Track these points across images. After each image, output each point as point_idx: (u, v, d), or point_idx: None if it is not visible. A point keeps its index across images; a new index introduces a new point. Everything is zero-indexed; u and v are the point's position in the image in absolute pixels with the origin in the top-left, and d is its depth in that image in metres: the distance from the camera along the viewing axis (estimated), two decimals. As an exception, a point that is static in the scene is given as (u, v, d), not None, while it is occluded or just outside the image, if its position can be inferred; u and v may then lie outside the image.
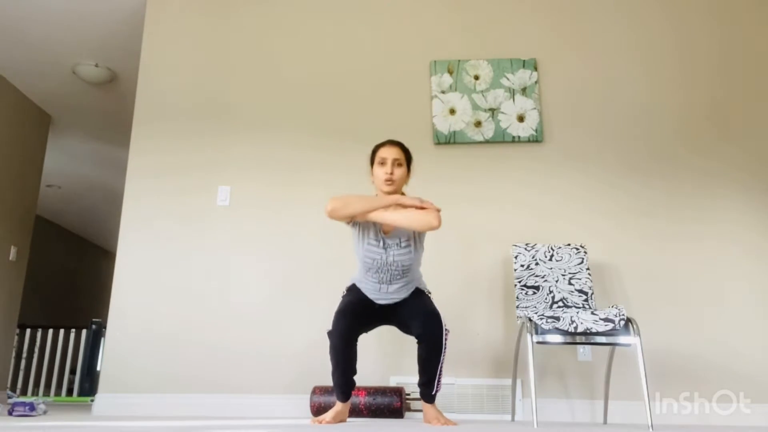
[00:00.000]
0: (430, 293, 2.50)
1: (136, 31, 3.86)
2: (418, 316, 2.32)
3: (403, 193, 2.45)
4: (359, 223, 2.39)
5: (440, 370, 2.27)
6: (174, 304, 3.21)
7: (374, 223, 2.38)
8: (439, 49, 3.54)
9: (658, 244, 3.18)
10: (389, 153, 2.40)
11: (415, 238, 2.40)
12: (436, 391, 2.32)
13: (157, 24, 3.70)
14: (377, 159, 2.42)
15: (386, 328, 2.54)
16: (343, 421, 2.40)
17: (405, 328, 2.44)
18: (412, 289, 2.44)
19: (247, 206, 3.35)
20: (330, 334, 2.29)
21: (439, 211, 2.31)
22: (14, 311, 4.95)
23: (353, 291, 2.48)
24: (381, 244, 2.37)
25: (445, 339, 2.26)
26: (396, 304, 2.42)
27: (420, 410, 2.87)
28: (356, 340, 2.32)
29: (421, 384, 2.33)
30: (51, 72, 4.68)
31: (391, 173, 2.37)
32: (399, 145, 2.46)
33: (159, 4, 3.74)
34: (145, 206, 3.38)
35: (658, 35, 3.53)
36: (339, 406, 2.38)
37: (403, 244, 2.37)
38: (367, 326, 2.45)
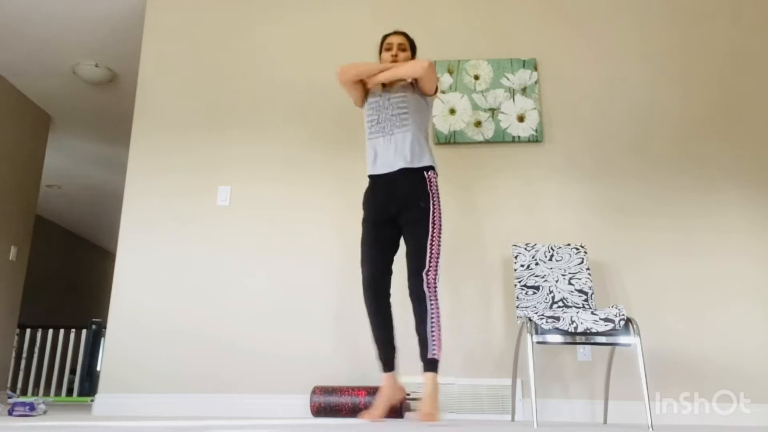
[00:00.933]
0: (436, 175, 2.58)
1: (136, 31, 3.87)
2: (409, 257, 2.44)
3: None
4: (367, 94, 2.65)
5: (432, 329, 2.31)
6: (174, 304, 3.21)
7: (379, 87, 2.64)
8: (439, 49, 3.53)
9: (658, 244, 3.17)
10: (394, 39, 2.68)
11: (413, 93, 2.60)
12: (434, 356, 2.32)
13: (157, 24, 3.70)
14: (384, 46, 2.70)
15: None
16: (394, 403, 2.44)
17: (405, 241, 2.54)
18: (415, 159, 2.51)
19: (247, 206, 3.35)
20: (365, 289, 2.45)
21: (430, 60, 2.52)
22: (14, 311, 4.95)
23: (366, 201, 2.61)
24: (381, 93, 2.63)
25: (430, 296, 2.32)
26: (400, 207, 2.48)
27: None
28: (387, 293, 2.45)
29: (420, 347, 2.36)
30: (51, 72, 4.69)
31: (395, 55, 2.63)
32: (403, 33, 2.73)
33: (159, 4, 3.74)
34: (145, 206, 3.38)
35: (658, 35, 3.53)
36: (384, 386, 2.42)
37: (400, 92, 2.60)
38: (390, 245, 2.53)
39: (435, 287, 2.37)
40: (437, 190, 2.53)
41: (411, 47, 2.72)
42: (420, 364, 2.37)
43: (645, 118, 3.39)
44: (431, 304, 2.32)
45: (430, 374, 2.33)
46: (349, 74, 2.59)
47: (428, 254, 2.39)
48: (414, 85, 2.64)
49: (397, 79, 2.59)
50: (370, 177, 2.61)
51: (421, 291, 2.34)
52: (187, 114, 3.52)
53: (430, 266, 2.38)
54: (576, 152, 3.34)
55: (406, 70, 2.55)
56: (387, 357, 2.41)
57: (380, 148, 2.56)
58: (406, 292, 2.44)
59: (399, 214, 2.51)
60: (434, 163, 2.59)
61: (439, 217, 2.47)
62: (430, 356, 2.31)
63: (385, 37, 2.73)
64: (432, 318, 2.31)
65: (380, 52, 2.73)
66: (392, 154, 2.52)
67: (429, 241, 2.41)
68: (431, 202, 2.48)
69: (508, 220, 3.24)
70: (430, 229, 2.43)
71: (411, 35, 2.77)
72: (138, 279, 3.26)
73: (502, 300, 3.12)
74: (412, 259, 2.43)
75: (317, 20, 3.65)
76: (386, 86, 2.65)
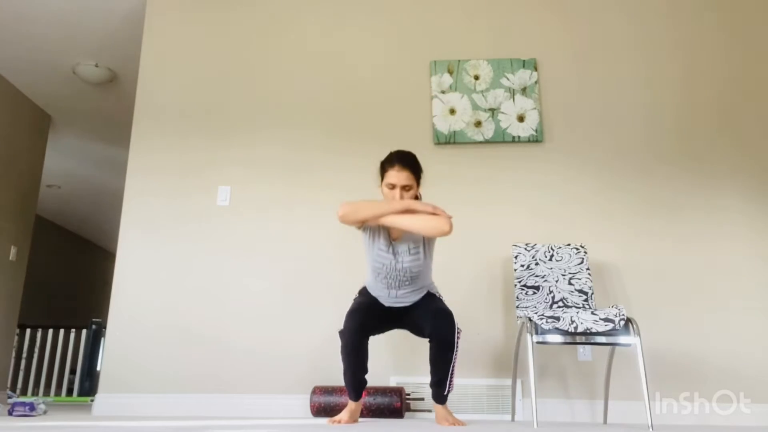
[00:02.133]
0: (441, 297, 2.50)
1: (136, 31, 3.86)
2: (429, 315, 2.34)
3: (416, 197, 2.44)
4: (369, 227, 2.40)
5: (452, 370, 2.29)
6: (174, 304, 3.21)
7: (384, 229, 2.39)
8: (439, 49, 3.54)
9: (658, 244, 3.17)
10: (398, 179, 2.35)
11: (425, 244, 2.40)
12: (448, 392, 2.33)
13: (157, 24, 3.70)
14: (386, 181, 2.38)
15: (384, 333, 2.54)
16: (355, 421, 2.40)
17: (417, 330, 2.45)
18: (422, 294, 2.45)
19: (247, 206, 3.35)
20: (341, 333, 2.31)
21: (450, 218, 2.31)
22: (14, 311, 4.95)
23: (365, 294, 2.50)
24: (390, 250, 2.38)
25: (458, 338, 2.28)
26: (407, 307, 2.43)
27: (419, 410, 2.89)
28: (367, 339, 2.33)
29: (432, 384, 2.34)
30: (51, 72, 4.69)
31: (401, 198, 2.35)
32: (408, 168, 2.37)
33: (159, 4, 3.74)
34: (145, 206, 3.38)
35: (658, 35, 3.53)
36: (352, 405, 2.39)
37: (412, 251, 2.38)
38: (379, 327, 2.46)
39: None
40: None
41: (417, 179, 2.40)
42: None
43: (645, 117, 3.39)
44: (457, 344, 2.31)
45: (443, 405, 2.39)
46: (352, 218, 2.32)
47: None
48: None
49: (408, 230, 2.34)
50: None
51: (452, 329, 2.28)
52: (187, 114, 3.52)
53: (448, 308, 2.39)
54: (576, 152, 3.34)
55: (422, 228, 2.30)
56: (361, 389, 2.38)
57: (386, 290, 2.41)
58: None
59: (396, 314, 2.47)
60: (438, 294, 2.51)
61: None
62: (446, 393, 2.35)
63: (387, 168, 2.38)
64: (455, 358, 2.30)
65: (381, 175, 2.41)
66: (401, 298, 2.43)
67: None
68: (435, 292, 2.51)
69: (508, 220, 3.24)
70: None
71: (417, 163, 2.44)
72: (138, 279, 3.26)
73: (502, 300, 3.12)
74: (432, 305, 2.40)
75: (317, 20, 3.65)
76: (394, 233, 2.41)
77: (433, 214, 2.31)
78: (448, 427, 2.24)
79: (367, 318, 2.34)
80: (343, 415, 2.38)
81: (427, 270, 2.45)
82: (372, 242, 2.40)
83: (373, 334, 2.41)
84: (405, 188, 2.36)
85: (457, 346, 2.27)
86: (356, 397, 2.38)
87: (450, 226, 2.29)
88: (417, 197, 2.43)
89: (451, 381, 2.30)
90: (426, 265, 2.43)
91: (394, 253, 2.38)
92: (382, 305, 2.44)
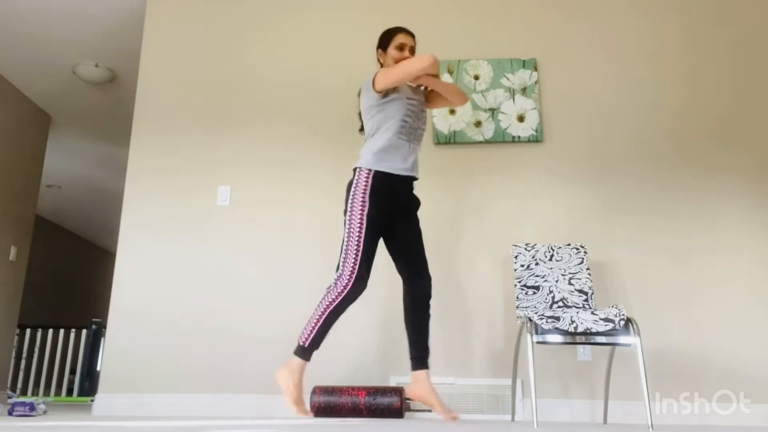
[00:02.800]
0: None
1: (136, 31, 3.86)
2: (417, 266, 2.48)
3: None
4: (390, 91, 2.52)
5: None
6: (174, 304, 3.21)
7: (410, 87, 2.60)
8: (439, 49, 3.51)
9: (658, 244, 3.17)
10: (407, 40, 2.63)
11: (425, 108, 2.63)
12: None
13: (157, 24, 3.70)
14: (394, 43, 2.61)
15: (386, 329, 2.54)
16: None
17: (400, 253, 2.51)
18: (417, 172, 2.56)
19: (247, 206, 3.35)
20: (353, 286, 2.34)
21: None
22: (14, 311, 4.95)
23: (382, 195, 2.42)
24: (412, 94, 2.57)
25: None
26: (404, 206, 2.51)
27: (419, 410, 2.88)
28: None
29: (417, 347, 2.39)
30: (51, 72, 4.69)
31: (407, 58, 2.57)
32: (413, 34, 2.68)
33: (159, 4, 3.74)
34: (146, 206, 3.38)
35: (658, 35, 3.52)
36: (301, 366, 2.39)
37: (422, 108, 2.61)
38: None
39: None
40: None
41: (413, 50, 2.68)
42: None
43: (645, 117, 3.39)
44: (429, 307, 2.48)
45: (427, 371, 2.43)
46: (435, 67, 2.51)
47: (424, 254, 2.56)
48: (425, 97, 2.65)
49: (438, 91, 2.61)
50: (390, 175, 2.47)
51: (426, 290, 2.47)
52: (187, 114, 3.52)
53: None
54: (576, 152, 3.34)
55: (457, 93, 2.62)
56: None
57: (404, 149, 2.50)
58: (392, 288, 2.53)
59: (401, 214, 2.53)
60: None
61: None
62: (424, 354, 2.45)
63: (395, 32, 2.64)
64: (428, 321, 2.46)
65: (385, 45, 2.64)
66: (414, 161, 2.54)
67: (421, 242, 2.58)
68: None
69: (508, 220, 3.24)
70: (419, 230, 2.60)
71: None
72: (138, 279, 3.26)
73: (502, 300, 3.12)
74: (417, 257, 2.51)
75: (317, 20, 3.65)
76: (414, 92, 2.61)
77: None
78: (451, 422, 2.29)
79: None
80: (290, 398, 2.38)
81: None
82: (398, 97, 2.52)
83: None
84: (412, 50, 2.62)
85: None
86: (310, 354, 2.43)
87: (464, 96, 2.65)
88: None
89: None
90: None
91: (420, 105, 2.59)
92: (391, 194, 2.45)
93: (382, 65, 2.65)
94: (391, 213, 2.46)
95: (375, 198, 2.39)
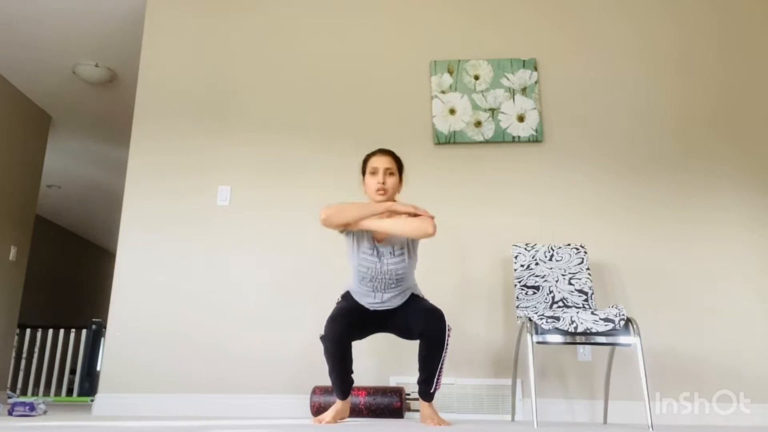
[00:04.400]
0: (425, 297, 2.48)
1: (136, 31, 3.87)
2: (419, 314, 2.31)
3: (395, 201, 2.44)
4: (353, 232, 2.37)
5: (440, 368, 2.26)
6: (174, 304, 3.21)
7: (367, 232, 2.36)
8: (439, 49, 3.54)
9: (658, 244, 3.17)
10: (380, 162, 2.39)
11: (408, 246, 2.38)
12: (435, 390, 2.30)
13: (157, 24, 3.70)
14: (368, 168, 2.41)
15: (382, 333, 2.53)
16: (343, 419, 2.40)
17: (403, 332, 2.42)
18: (407, 297, 2.42)
19: (247, 206, 3.35)
20: (322, 338, 2.28)
21: (433, 218, 2.29)
22: (14, 311, 4.95)
23: (347, 298, 2.46)
24: (374, 252, 2.35)
25: (448, 336, 2.25)
26: (392, 310, 2.40)
27: (419, 410, 2.87)
28: (350, 344, 2.31)
29: (420, 381, 2.32)
30: (51, 72, 4.69)
31: (383, 183, 2.36)
32: (390, 153, 2.44)
33: (159, 4, 3.74)
34: (145, 206, 3.38)
35: (658, 35, 3.53)
36: (339, 404, 2.39)
37: (396, 253, 2.35)
38: (361, 332, 2.44)
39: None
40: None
41: (398, 168, 2.44)
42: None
43: (645, 118, 3.39)
44: (447, 341, 2.26)
45: (429, 404, 2.36)
46: (334, 221, 2.30)
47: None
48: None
49: (391, 233, 2.32)
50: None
51: (442, 326, 2.24)
52: (187, 114, 3.52)
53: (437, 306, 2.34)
54: (576, 152, 3.34)
55: (405, 230, 2.28)
56: (347, 388, 2.36)
57: (371, 293, 2.37)
58: None
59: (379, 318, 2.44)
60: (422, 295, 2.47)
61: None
62: (433, 391, 2.31)
63: (369, 157, 2.44)
64: (444, 356, 2.25)
65: (363, 172, 2.45)
66: (386, 301, 2.38)
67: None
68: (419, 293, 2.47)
69: (508, 220, 3.24)
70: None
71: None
72: (138, 279, 3.26)
73: (502, 300, 3.12)
74: (420, 305, 2.37)
75: (318, 21, 3.65)
76: (378, 235, 2.38)
77: (415, 215, 2.29)
78: (434, 427, 2.23)
79: (349, 324, 2.30)
80: (327, 414, 2.35)
81: (411, 271, 2.42)
82: (356, 246, 2.37)
83: (356, 339, 2.38)
84: (387, 172, 2.38)
85: (447, 344, 2.24)
86: (343, 396, 2.37)
87: (433, 228, 2.26)
88: (399, 187, 2.46)
89: (438, 379, 2.28)
90: (410, 266, 2.40)
91: (379, 256, 2.34)
92: (364, 309, 2.40)
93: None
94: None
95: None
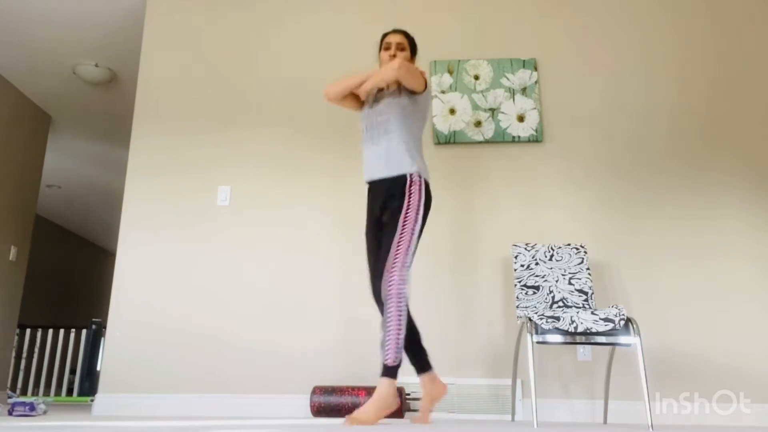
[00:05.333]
0: (421, 179, 2.41)
1: (136, 31, 3.87)
2: (382, 258, 2.32)
3: None
4: (364, 104, 2.61)
5: (390, 334, 2.18)
6: (174, 304, 3.21)
7: (375, 95, 2.59)
8: (439, 49, 3.54)
9: (658, 244, 3.17)
10: (393, 38, 2.64)
11: (398, 102, 2.51)
12: (388, 361, 2.19)
13: (157, 24, 3.70)
14: (383, 45, 2.65)
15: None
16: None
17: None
18: (393, 167, 2.42)
19: (247, 206, 3.35)
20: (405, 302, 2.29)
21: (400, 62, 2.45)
22: (14, 311, 4.95)
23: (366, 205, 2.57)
24: (371, 100, 2.60)
25: (397, 300, 2.21)
26: (382, 206, 2.42)
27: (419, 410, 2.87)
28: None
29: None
30: (51, 72, 4.69)
31: (393, 55, 2.58)
32: (403, 31, 2.68)
33: (159, 4, 3.74)
34: (145, 206, 3.38)
35: (658, 35, 3.53)
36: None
37: (385, 99, 2.55)
38: (379, 246, 2.44)
39: (397, 289, 2.24)
40: (418, 192, 2.38)
41: (411, 46, 2.68)
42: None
43: (645, 118, 3.39)
44: (389, 307, 2.20)
45: (383, 379, 2.21)
46: (332, 93, 2.60)
47: (392, 253, 2.28)
48: (402, 88, 2.53)
49: (376, 86, 2.56)
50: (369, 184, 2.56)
51: (381, 292, 2.25)
52: (187, 114, 3.52)
53: (394, 265, 2.26)
54: (576, 152, 3.34)
55: (380, 77, 2.50)
56: (412, 359, 2.34)
57: (366, 154, 2.54)
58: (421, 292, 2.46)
59: (381, 218, 2.47)
60: (419, 168, 2.43)
61: (414, 218, 2.34)
62: (383, 361, 2.21)
63: (385, 35, 2.69)
64: (389, 321, 2.19)
65: (380, 50, 2.69)
66: (375, 162, 2.48)
67: (396, 240, 2.30)
68: (406, 202, 2.36)
69: (508, 220, 3.24)
70: (399, 228, 2.32)
71: (411, 34, 2.73)
72: (138, 279, 3.26)
73: (502, 300, 3.12)
74: (380, 260, 2.34)
75: (318, 20, 3.65)
76: (377, 94, 2.59)
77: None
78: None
79: (371, 256, 2.46)
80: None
81: (402, 125, 2.48)
82: (362, 110, 2.62)
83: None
84: (399, 47, 2.61)
85: (390, 301, 2.20)
86: (427, 365, 2.36)
87: (397, 64, 2.43)
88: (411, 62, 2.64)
89: (388, 346, 2.18)
90: (400, 111, 2.49)
91: (374, 105, 2.56)
92: (370, 216, 2.49)
93: None
94: (373, 221, 2.52)
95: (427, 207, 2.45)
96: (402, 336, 2.22)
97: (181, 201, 3.37)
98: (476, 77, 3.46)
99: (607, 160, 3.33)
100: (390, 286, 2.24)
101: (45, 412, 3.01)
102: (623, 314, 2.36)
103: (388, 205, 2.41)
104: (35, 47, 4.36)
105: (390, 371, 2.20)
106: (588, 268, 2.88)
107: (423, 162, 2.50)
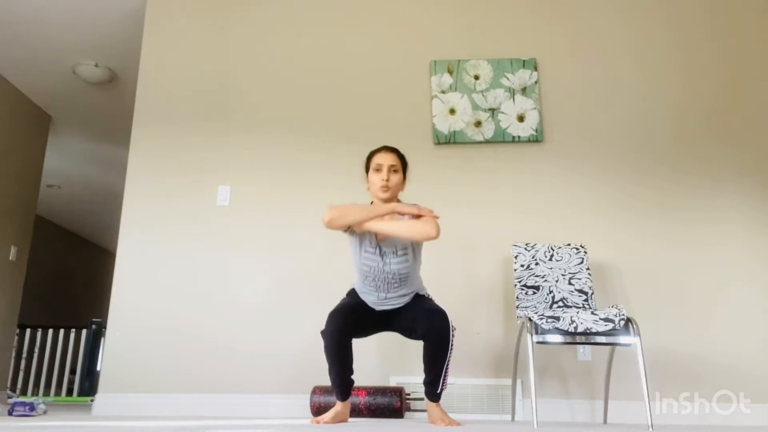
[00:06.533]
0: (431, 297, 2.48)
1: (136, 31, 3.87)
2: (423, 315, 2.30)
3: (398, 200, 2.44)
4: (356, 231, 2.36)
5: (446, 368, 2.25)
6: (174, 304, 3.21)
7: (370, 232, 2.35)
8: (439, 49, 3.54)
9: (658, 244, 3.18)
10: (385, 159, 2.38)
11: (413, 247, 2.37)
12: (442, 390, 2.29)
13: (157, 24, 3.70)
14: (372, 165, 2.41)
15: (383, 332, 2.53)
16: (343, 420, 2.39)
17: (408, 331, 2.41)
18: (412, 296, 2.41)
19: (247, 206, 3.35)
20: (322, 333, 2.27)
21: (437, 218, 2.28)
22: (14, 311, 4.95)
23: (352, 295, 2.47)
24: (377, 252, 2.34)
25: (453, 336, 2.24)
26: (397, 309, 2.40)
27: (419, 410, 2.88)
28: (350, 341, 2.30)
29: (426, 382, 2.31)
30: (51, 72, 4.69)
31: (387, 180, 2.35)
32: (395, 151, 2.43)
33: (159, 4, 3.74)
34: (145, 206, 3.38)
35: (657, 35, 3.53)
36: (339, 405, 2.37)
37: (399, 253, 2.34)
38: (364, 330, 2.44)
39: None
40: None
41: (402, 166, 2.43)
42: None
43: (645, 117, 3.39)
44: (452, 342, 2.25)
45: (437, 404, 2.33)
46: (338, 223, 2.30)
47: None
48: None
49: (394, 236, 2.31)
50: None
51: (447, 327, 2.25)
52: (187, 114, 3.52)
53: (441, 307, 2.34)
54: (576, 152, 3.34)
55: (408, 233, 2.27)
56: (347, 389, 2.35)
57: (375, 293, 2.38)
58: None
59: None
60: (427, 294, 2.48)
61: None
62: (439, 391, 2.29)
63: (373, 153, 2.44)
64: (450, 356, 2.26)
65: (366, 169, 2.45)
66: (390, 300, 2.38)
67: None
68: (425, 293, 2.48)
69: (509, 219, 3.24)
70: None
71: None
72: (138, 279, 3.26)
73: (502, 300, 3.12)
74: (425, 305, 2.37)
75: (317, 21, 3.65)
76: (380, 235, 2.35)
77: (418, 216, 2.28)
78: (444, 428, 2.23)
79: (350, 320, 2.30)
80: (327, 415, 2.34)
81: (415, 272, 2.42)
82: (359, 245, 2.37)
83: (358, 337, 2.37)
84: (392, 169, 2.37)
85: (452, 344, 2.24)
86: (343, 397, 2.35)
87: (437, 230, 2.24)
88: (399, 201, 2.43)
89: (445, 379, 2.27)
90: (414, 267, 2.40)
91: (381, 255, 2.33)
92: (369, 308, 2.40)
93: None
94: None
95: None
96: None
97: (181, 201, 3.37)
98: (476, 77, 3.46)
99: (607, 160, 3.33)
100: (449, 326, 2.25)
101: (45, 412, 3.01)
102: (623, 314, 2.36)
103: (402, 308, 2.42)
104: (35, 47, 4.36)
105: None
106: (588, 268, 2.88)
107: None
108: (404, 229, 2.27)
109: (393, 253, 2.34)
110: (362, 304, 2.41)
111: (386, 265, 2.33)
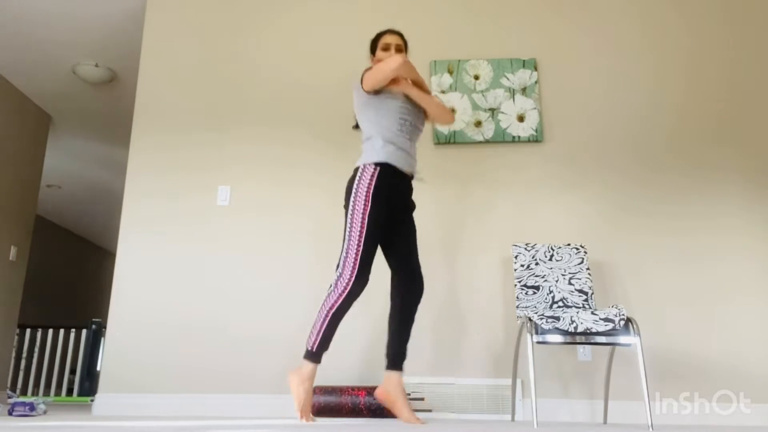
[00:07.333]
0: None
1: (136, 31, 3.87)
2: (413, 267, 2.48)
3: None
4: (392, 90, 2.53)
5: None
6: (174, 304, 3.21)
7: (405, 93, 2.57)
8: (439, 49, 3.54)
9: (658, 244, 3.17)
10: (392, 39, 2.65)
11: (423, 123, 2.66)
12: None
13: (157, 24, 3.70)
14: (380, 45, 2.66)
15: (386, 329, 2.53)
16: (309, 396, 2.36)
17: (395, 254, 2.50)
18: (414, 168, 2.58)
19: (247, 206, 3.35)
20: (350, 293, 2.31)
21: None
22: (14, 311, 4.95)
23: (384, 192, 2.40)
24: (412, 105, 2.57)
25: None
26: (405, 210, 2.52)
27: (420, 410, 2.87)
28: None
29: (396, 345, 2.39)
30: (51, 72, 4.69)
31: None
32: (399, 33, 2.70)
33: (159, 4, 3.74)
34: (145, 206, 3.38)
35: (658, 35, 3.53)
36: (312, 369, 2.36)
37: (422, 111, 2.62)
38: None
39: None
40: None
41: (405, 48, 2.70)
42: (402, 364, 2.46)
43: (645, 118, 3.39)
44: (417, 304, 2.49)
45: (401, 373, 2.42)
46: (407, 73, 2.51)
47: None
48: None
49: (424, 106, 2.58)
50: (393, 169, 2.46)
51: (420, 297, 2.52)
52: (187, 114, 3.52)
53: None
54: (576, 152, 3.34)
55: (440, 111, 2.61)
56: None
57: (408, 147, 2.52)
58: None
59: (396, 214, 2.50)
60: None
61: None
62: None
63: (380, 35, 2.69)
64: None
65: (373, 50, 2.69)
66: (408, 157, 2.52)
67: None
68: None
69: (508, 220, 3.24)
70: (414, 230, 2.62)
71: (405, 35, 2.72)
72: (138, 279, 3.26)
73: (502, 300, 3.12)
74: (404, 259, 2.54)
75: (318, 20, 3.65)
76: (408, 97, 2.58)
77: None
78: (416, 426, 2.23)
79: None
80: (305, 402, 2.35)
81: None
82: (392, 97, 2.53)
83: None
84: (398, 48, 2.63)
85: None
86: (320, 359, 2.39)
87: (453, 121, 2.84)
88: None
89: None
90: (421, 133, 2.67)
91: (414, 108, 2.57)
92: (392, 202, 2.44)
93: None
94: (390, 213, 2.44)
95: (377, 197, 2.37)
96: None
97: (181, 201, 3.37)
98: (476, 77, 3.46)
99: (607, 160, 3.33)
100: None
101: (45, 412, 3.01)
102: (623, 314, 2.36)
103: (410, 207, 2.57)
104: (35, 47, 4.36)
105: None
106: (588, 268, 2.88)
107: None
108: (436, 106, 2.60)
109: (417, 109, 2.59)
110: (395, 203, 2.47)
111: (416, 113, 2.57)
